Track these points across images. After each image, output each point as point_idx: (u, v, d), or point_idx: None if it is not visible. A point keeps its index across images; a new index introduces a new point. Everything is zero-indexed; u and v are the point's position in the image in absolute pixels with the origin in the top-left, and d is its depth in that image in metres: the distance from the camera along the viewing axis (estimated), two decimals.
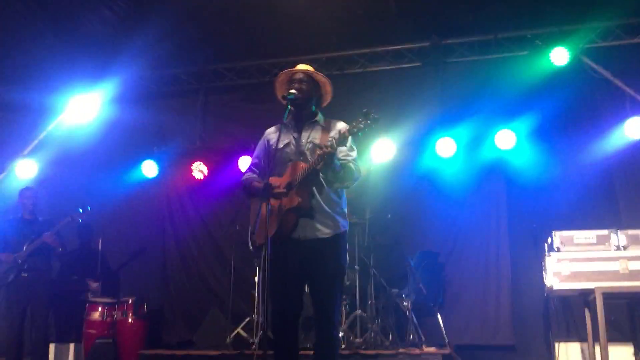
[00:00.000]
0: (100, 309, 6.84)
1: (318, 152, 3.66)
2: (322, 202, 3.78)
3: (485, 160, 6.99)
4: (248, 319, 6.57)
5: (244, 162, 7.32)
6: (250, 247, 6.34)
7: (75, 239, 7.70)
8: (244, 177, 4.07)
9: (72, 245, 7.51)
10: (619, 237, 4.79)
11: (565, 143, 6.70)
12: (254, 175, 4.03)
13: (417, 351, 5.83)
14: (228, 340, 6.39)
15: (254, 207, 3.96)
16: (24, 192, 6.72)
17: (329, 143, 3.61)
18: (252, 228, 3.97)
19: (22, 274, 6.33)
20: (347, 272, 6.33)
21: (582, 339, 5.92)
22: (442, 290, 6.83)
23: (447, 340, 6.23)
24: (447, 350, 5.99)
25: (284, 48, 7.43)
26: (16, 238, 6.43)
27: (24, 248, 6.36)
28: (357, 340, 6.09)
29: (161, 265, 7.86)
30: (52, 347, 6.95)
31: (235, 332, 6.51)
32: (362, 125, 3.55)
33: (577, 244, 4.87)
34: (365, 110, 3.55)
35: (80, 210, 6.63)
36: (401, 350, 5.81)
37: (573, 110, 6.68)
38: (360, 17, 6.92)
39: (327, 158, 3.60)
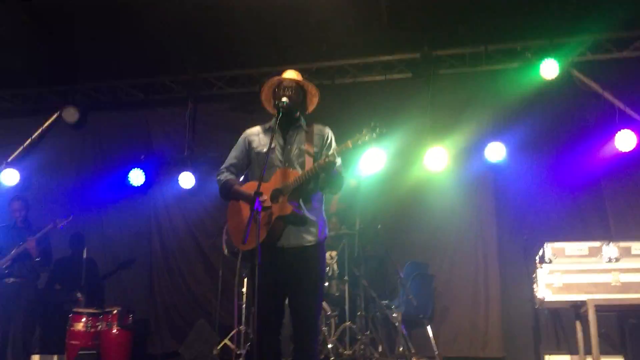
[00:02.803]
0: (84, 319, 6.68)
1: (318, 162, 3.63)
2: (305, 211, 3.76)
3: (475, 172, 6.99)
4: (235, 330, 6.47)
5: None
6: (225, 251, 6.34)
7: (66, 248, 7.57)
8: (222, 176, 3.94)
9: (61, 253, 7.35)
10: (611, 249, 4.77)
11: (554, 155, 6.72)
12: (233, 177, 3.95)
13: None
14: (215, 351, 6.29)
15: (233, 209, 3.89)
16: (14, 202, 6.61)
17: (331, 153, 3.60)
18: (232, 232, 3.90)
19: (7, 280, 6.23)
20: (337, 283, 6.30)
21: (572, 351, 5.90)
22: (432, 301, 6.78)
23: (436, 352, 6.18)
24: None
25: (274, 57, 7.39)
26: (6, 245, 6.33)
27: (9, 256, 6.26)
28: (347, 352, 6.01)
29: (147, 275, 7.75)
30: (36, 358, 6.78)
31: (222, 343, 6.41)
32: (367, 138, 3.52)
33: (569, 256, 4.84)
34: (373, 123, 3.52)
35: (64, 217, 6.52)
36: None
37: (562, 123, 6.72)
38: (351, 27, 6.91)
39: (328, 168, 3.57)
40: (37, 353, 6.83)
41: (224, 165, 3.99)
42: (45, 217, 6.74)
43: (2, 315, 6.18)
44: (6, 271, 6.24)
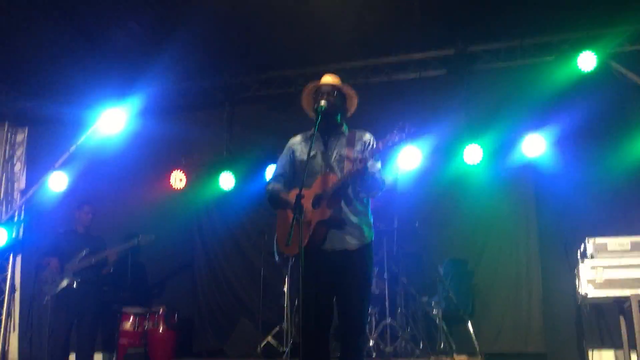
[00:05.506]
0: (131, 318, 6.92)
1: (352, 166, 3.70)
2: (349, 214, 3.83)
3: (514, 167, 6.96)
4: (277, 328, 6.60)
5: (271, 171, 7.36)
6: (276, 257, 6.47)
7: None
8: (269, 187, 4.10)
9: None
10: None
11: (594, 148, 6.64)
12: (279, 185, 4.07)
13: (449, 359, 5.81)
14: (259, 349, 6.44)
15: (281, 217, 4.01)
16: (84, 207, 6.77)
17: (362, 157, 3.66)
18: (279, 238, 4.02)
19: (74, 286, 6.37)
20: (377, 281, 6.37)
21: (616, 346, 5.85)
22: (472, 297, 6.80)
23: (478, 349, 6.19)
24: (478, 359, 5.95)
25: (308, 58, 7.47)
26: (69, 249, 6.48)
27: (77, 260, 6.41)
28: (388, 348, 6.10)
29: (190, 275, 7.95)
30: (98, 357, 7.00)
31: (266, 340, 6.55)
32: (397, 139, 3.58)
33: (611, 251, 4.81)
34: (401, 123, 3.58)
35: (148, 235, 6.71)
36: (432, 358, 5.79)
37: (602, 116, 6.61)
38: (384, 25, 6.93)
39: (360, 172, 3.64)
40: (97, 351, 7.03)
41: (271, 177, 4.13)
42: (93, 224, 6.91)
43: (65, 319, 6.32)
44: (78, 278, 6.36)
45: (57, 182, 8.02)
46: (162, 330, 6.91)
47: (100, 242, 6.70)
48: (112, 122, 7.81)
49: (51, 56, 7.34)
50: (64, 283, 6.35)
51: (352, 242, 3.81)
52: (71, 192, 7.98)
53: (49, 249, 6.57)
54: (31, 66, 7.60)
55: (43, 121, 8.46)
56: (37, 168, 8.39)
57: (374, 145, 3.91)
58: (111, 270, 6.64)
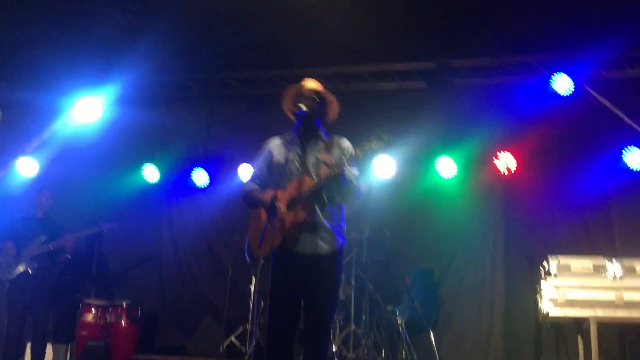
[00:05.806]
0: (93, 310, 6.83)
1: (328, 170, 3.72)
2: (323, 218, 3.84)
3: (485, 182, 7.07)
4: (242, 328, 6.59)
5: (244, 171, 7.37)
6: (247, 257, 6.47)
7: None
8: (245, 187, 4.10)
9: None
10: (615, 267, 4.85)
11: (564, 170, 6.78)
12: (255, 186, 4.07)
13: None
14: (221, 348, 6.41)
15: (254, 217, 4.02)
16: (44, 192, 6.58)
17: (340, 162, 3.68)
18: (252, 238, 4.02)
19: (29, 271, 6.21)
20: (344, 287, 6.40)
21: None
22: (436, 309, 6.88)
23: (438, 359, 6.27)
24: None
25: (291, 60, 7.48)
26: (26, 234, 6.31)
27: (35, 246, 6.25)
28: (350, 355, 6.13)
29: (157, 270, 7.88)
30: (49, 347, 6.85)
31: (229, 340, 6.53)
32: (374, 146, 3.62)
33: (574, 272, 4.93)
34: (378, 131, 3.62)
35: (110, 222, 6.65)
36: None
37: (573, 138, 6.78)
38: (367, 33, 6.97)
39: (337, 177, 3.67)
40: (49, 342, 6.90)
41: (249, 177, 4.13)
42: (56, 209, 6.78)
43: (19, 306, 6.17)
44: (34, 264, 6.21)
45: (27, 167, 7.88)
46: (124, 324, 6.84)
47: (59, 228, 6.49)
48: (87, 110, 7.70)
49: (27, 40, 7.21)
50: (20, 268, 6.20)
51: (323, 246, 3.82)
52: (41, 178, 7.85)
53: (5, 233, 6.37)
54: (5, 49, 7.45)
55: (15, 105, 8.22)
56: (6, 151, 8.22)
57: (352, 152, 3.94)
58: (69, 258, 6.46)
